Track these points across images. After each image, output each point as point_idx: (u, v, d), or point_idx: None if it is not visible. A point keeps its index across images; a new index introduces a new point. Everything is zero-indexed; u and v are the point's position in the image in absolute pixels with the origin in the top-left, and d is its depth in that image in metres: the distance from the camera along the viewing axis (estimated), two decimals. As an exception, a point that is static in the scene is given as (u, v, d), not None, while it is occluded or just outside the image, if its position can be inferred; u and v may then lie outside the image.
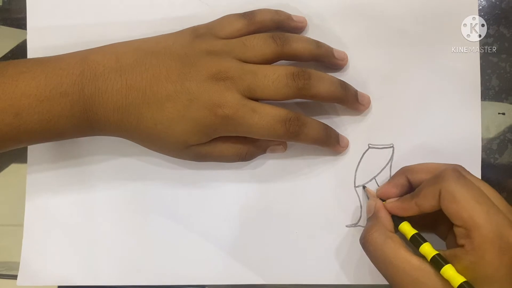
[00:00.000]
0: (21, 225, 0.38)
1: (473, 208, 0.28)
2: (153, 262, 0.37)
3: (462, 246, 0.28)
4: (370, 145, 0.36)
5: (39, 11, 0.38)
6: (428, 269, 0.28)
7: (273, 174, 0.37)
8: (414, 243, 0.30)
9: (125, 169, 0.38)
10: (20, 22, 0.39)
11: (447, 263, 0.28)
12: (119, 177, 0.38)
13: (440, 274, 0.28)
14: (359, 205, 0.36)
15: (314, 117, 0.35)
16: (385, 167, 0.36)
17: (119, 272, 0.38)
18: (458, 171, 0.30)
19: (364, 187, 0.36)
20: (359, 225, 0.36)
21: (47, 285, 0.38)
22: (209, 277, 0.37)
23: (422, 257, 0.29)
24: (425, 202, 0.30)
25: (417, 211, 0.31)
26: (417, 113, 0.36)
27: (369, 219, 0.34)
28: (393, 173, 0.36)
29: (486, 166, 0.36)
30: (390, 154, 0.36)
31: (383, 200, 0.33)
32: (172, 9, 0.38)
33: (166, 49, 0.33)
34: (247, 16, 0.34)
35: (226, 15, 0.35)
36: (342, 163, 0.37)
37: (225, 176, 0.37)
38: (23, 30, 0.38)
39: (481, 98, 0.36)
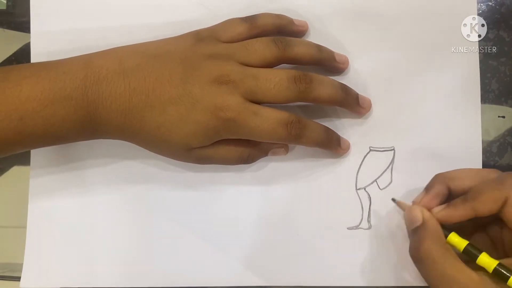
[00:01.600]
0: (23, 227, 0.38)
1: None
2: (155, 264, 0.38)
3: None
4: (371, 148, 0.37)
5: (42, 15, 0.38)
6: (490, 283, 0.28)
7: (275, 177, 0.37)
8: (468, 255, 0.29)
9: (128, 172, 0.38)
10: (23, 26, 0.39)
11: (511, 273, 0.27)
12: (121, 180, 0.38)
13: (506, 286, 0.27)
14: (361, 207, 0.36)
15: (315, 120, 0.35)
16: (386, 169, 0.36)
17: (122, 274, 0.38)
18: None
19: (394, 200, 0.34)
20: (360, 227, 0.36)
21: (50, 287, 0.38)
22: (211, 279, 0.37)
23: (476, 268, 0.28)
24: (485, 207, 0.30)
25: (471, 216, 0.30)
26: (418, 115, 0.36)
27: (415, 230, 0.31)
28: (394, 175, 0.36)
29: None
30: (391, 156, 0.37)
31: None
32: (174, 13, 0.38)
33: (169, 53, 0.33)
34: (249, 20, 0.34)
35: (228, 19, 0.35)
36: (343, 166, 0.37)
37: (227, 178, 0.37)
38: (27, 34, 0.39)
39: (481, 101, 0.36)
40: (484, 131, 0.36)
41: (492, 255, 0.29)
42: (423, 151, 0.36)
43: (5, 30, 0.40)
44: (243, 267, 0.37)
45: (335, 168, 0.37)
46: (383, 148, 0.37)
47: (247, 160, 0.35)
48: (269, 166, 0.37)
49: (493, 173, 0.32)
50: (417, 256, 0.30)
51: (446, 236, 0.30)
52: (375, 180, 0.37)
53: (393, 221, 0.36)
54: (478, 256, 0.28)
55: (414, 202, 0.33)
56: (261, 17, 0.35)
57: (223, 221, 0.37)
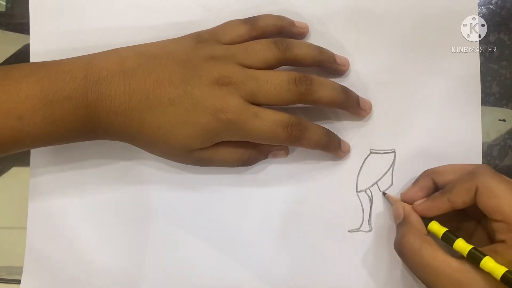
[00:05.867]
0: (21, 227, 0.38)
1: None
2: (155, 266, 0.37)
3: (502, 241, 0.28)
4: (371, 150, 0.37)
5: (42, 17, 0.38)
6: (469, 269, 0.28)
7: (275, 179, 0.37)
8: (446, 241, 0.30)
9: (127, 173, 0.38)
10: (23, 27, 0.39)
11: (484, 255, 0.28)
12: (121, 181, 0.38)
13: (481, 271, 0.28)
14: (361, 210, 0.36)
15: (315, 122, 0.35)
16: (387, 172, 0.36)
17: (121, 275, 0.38)
18: (492, 168, 0.31)
19: (384, 193, 0.36)
20: (361, 230, 0.36)
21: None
22: (210, 281, 0.37)
23: (458, 256, 0.29)
24: (459, 198, 0.31)
25: (448, 208, 0.31)
26: (419, 118, 0.36)
27: (399, 224, 0.33)
28: (395, 177, 0.36)
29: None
30: (392, 159, 0.36)
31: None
32: (175, 15, 0.38)
33: (170, 54, 0.33)
34: (250, 21, 0.34)
35: (229, 21, 0.35)
36: (344, 168, 0.37)
37: (227, 180, 0.37)
38: (26, 35, 0.39)
39: (482, 104, 0.36)
40: (485, 133, 0.36)
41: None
42: (424, 153, 0.36)
43: (4, 31, 0.40)
44: (242, 270, 0.37)
45: (336, 171, 0.37)
46: (383, 150, 0.36)
47: (247, 162, 0.35)
48: (269, 168, 0.37)
49: (471, 167, 0.32)
50: (399, 249, 0.32)
51: (426, 226, 0.32)
52: (376, 183, 0.36)
53: (394, 223, 0.36)
54: (455, 241, 0.30)
55: (401, 195, 0.35)
56: (262, 18, 0.35)
57: (223, 223, 0.37)
